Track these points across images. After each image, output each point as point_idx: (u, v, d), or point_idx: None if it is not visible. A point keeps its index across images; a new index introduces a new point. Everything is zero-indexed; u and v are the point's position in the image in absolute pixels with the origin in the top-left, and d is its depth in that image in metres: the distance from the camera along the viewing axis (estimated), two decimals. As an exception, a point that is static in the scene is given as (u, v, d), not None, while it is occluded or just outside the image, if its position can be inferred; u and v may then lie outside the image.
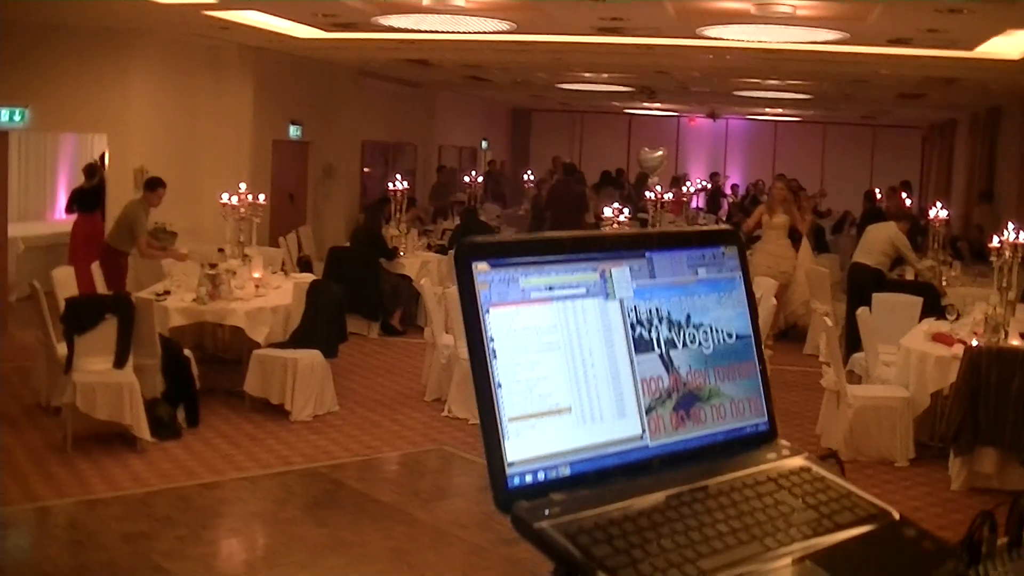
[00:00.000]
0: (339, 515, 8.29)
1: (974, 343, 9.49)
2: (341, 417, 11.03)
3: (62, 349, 9.93)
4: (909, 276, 13.99)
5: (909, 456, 9.79)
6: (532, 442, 1.38)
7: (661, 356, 1.53)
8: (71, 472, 8.94)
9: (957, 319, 10.64)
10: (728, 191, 29.82)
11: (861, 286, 13.06)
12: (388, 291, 15.68)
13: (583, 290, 1.47)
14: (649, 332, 1.52)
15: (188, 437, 10.05)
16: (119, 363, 9.71)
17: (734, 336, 1.63)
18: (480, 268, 1.38)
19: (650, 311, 1.53)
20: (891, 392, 10.02)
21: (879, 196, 21.55)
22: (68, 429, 9.46)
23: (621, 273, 1.51)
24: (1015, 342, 9.70)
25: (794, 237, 15.48)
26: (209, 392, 11.02)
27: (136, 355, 9.83)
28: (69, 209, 16.67)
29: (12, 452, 9.41)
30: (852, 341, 11.73)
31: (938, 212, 15.23)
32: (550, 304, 1.43)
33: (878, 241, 13.86)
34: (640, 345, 1.51)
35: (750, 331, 1.66)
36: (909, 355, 10.06)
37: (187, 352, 10.58)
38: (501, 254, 1.41)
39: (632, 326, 1.50)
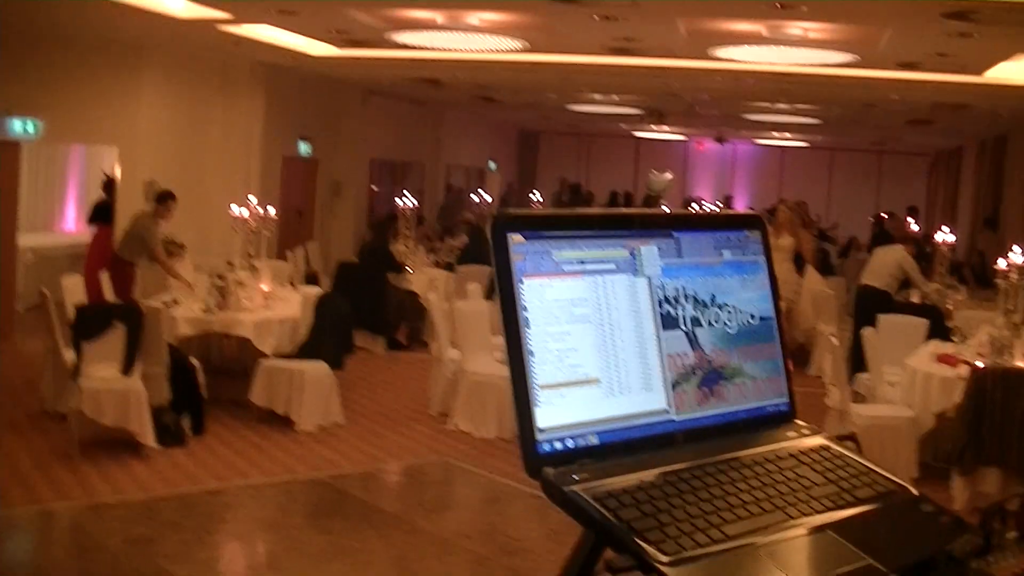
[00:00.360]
0: (342, 523, 8.31)
1: (979, 364, 9.51)
2: (346, 429, 11.05)
3: (70, 356, 9.98)
4: (915, 299, 14.02)
5: (912, 476, 9.76)
6: (562, 410, 1.41)
7: (687, 334, 1.56)
8: (76, 477, 8.96)
9: (963, 341, 10.66)
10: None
11: (868, 308, 13.07)
12: (394, 306, 15.71)
13: (613, 266, 1.50)
14: (675, 310, 1.55)
15: (193, 445, 10.08)
16: (126, 370, 9.75)
17: (757, 318, 1.66)
18: (515, 239, 1.41)
19: (677, 289, 1.56)
20: (895, 412, 10.04)
21: (887, 220, 21.62)
22: (74, 435, 9.49)
23: (649, 251, 1.55)
24: (1020, 363, 9.72)
25: (798, 262, 15.48)
26: (215, 402, 11.04)
27: (143, 363, 9.86)
28: (91, 221, 16.74)
29: (18, 457, 9.44)
30: (857, 362, 11.74)
31: (944, 237, 15.26)
32: (581, 278, 1.47)
33: (886, 264, 13.91)
34: (667, 322, 1.54)
35: (772, 313, 1.69)
36: (914, 375, 10.07)
37: (194, 361, 10.61)
38: (535, 227, 1.44)
39: (660, 303, 1.54)
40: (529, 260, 1.42)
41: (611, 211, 1.60)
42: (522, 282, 1.41)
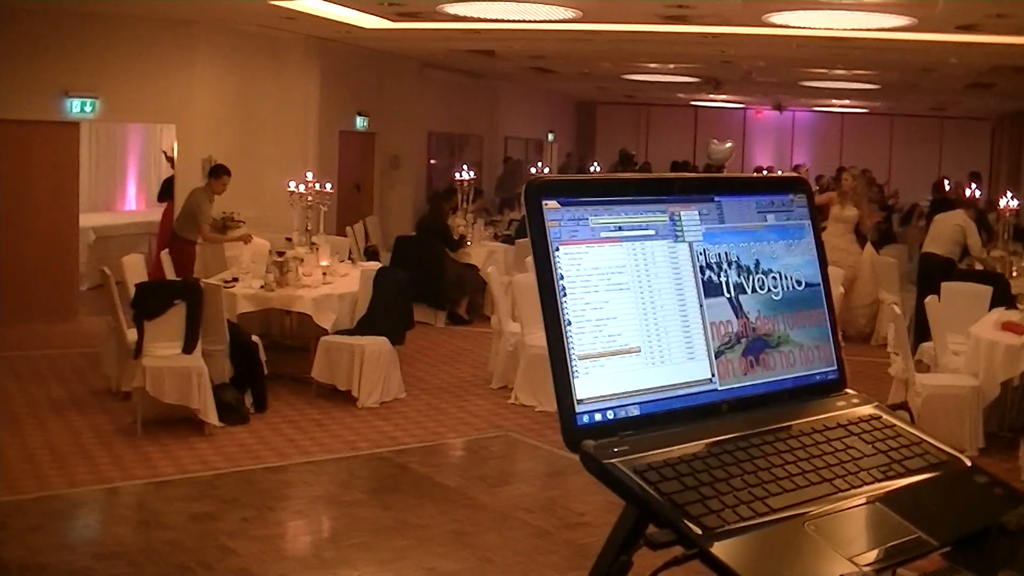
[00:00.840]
0: (403, 498, 8.32)
1: (1045, 331, 9.37)
2: (407, 404, 11.07)
3: (132, 335, 10.06)
4: (978, 266, 13.85)
5: (979, 445, 9.65)
6: (601, 381, 1.38)
7: (730, 300, 1.52)
8: (139, 455, 9.04)
9: (1027, 308, 10.50)
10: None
11: (932, 275, 12.91)
12: (454, 280, 15.71)
13: (652, 232, 1.47)
14: (718, 276, 1.52)
15: (255, 422, 10.13)
16: (188, 348, 9.81)
17: (803, 284, 1.62)
18: (550, 206, 1.38)
19: (719, 255, 1.53)
20: (960, 381, 9.90)
21: (948, 186, 21.34)
22: (138, 413, 9.58)
23: (690, 216, 1.51)
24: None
25: (859, 232, 15.24)
26: (276, 378, 11.10)
27: (204, 341, 9.92)
28: (160, 198, 16.94)
29: (82, 435, 9.54)
30: (920, 330, 11.60)
31: (1008, 202, 15.02)
32: (619, 244, 1.43)
33: (947, 230, 13.74)
34: (709, 289, 1.50)
35: (820, 279, 1.65)
36: (978, 344, 9.93)
37: (255, 338, 10.66)
38: (571, 193, 1.41)
39: (701, 269, 1.50)
40: (565, 227, 1.39)
41: (649, 175, 1.56)
42: (558, 250, 1.38)
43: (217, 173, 13.51)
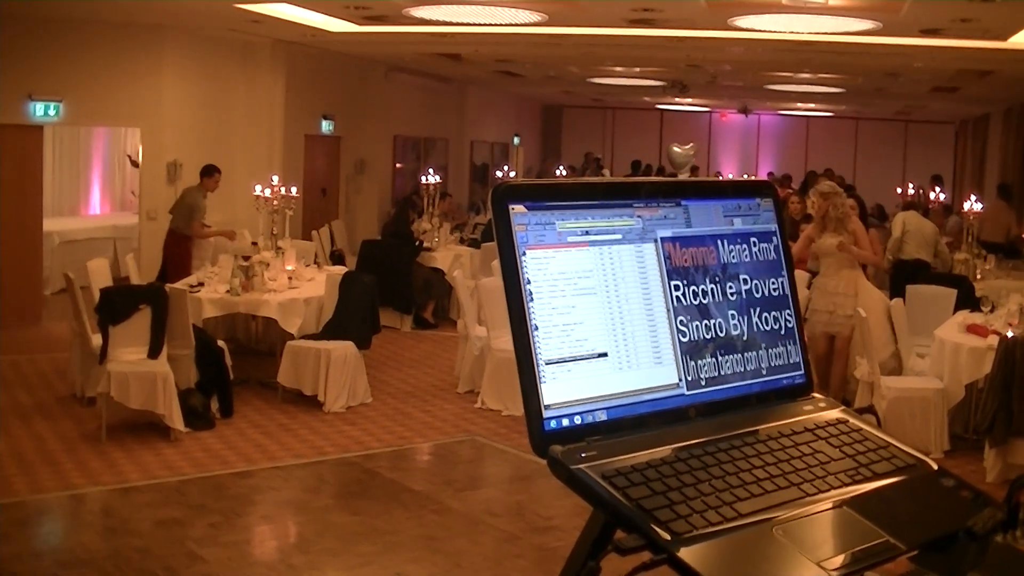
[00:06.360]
0: (371, 503, 8.30)
1: (1009, 334, 9.41)
2: (374, 408, 11.05)
3: (96, 340, 10.00)
4: (940, 269, 13.97)
5: (944, 448, 9.71)
6: (569, 386, 1.38)
7: (698, 305, 1.52)
8: (105, 461, 8.99)
9: (992, 311, 10.55)
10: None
11: (905, 280, 12.86)
12: (420, 284, 15.70)
13: (619, 236, 1.46)
14: (685, 280, 1.52)
15: (221, 427, 10.09)
16: (153, 353, 9.76)
17: (770, 288, 1.62)
18: (517, 210, 1.38)
19: (686, 259, 1.52)
20: (925, 384, 9.94)
21: (911, 192, 21.51)
22: (103, 418, 9.52)
23: (657, 220, 1.51)
24: (1051, 332, 9.62)
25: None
26: (243, 383, 11.08)
27: (170, 345, 9.87)
28: None
29: (47, 441, 9.48)
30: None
31: (972, 206, 15.11)
32: (587, 249, 1.43)
33: (927, 237, 13.96)
34: (676, 293, 1.50)
35: (786, 283, 1.65)
36: (943, 346, 9.98)
37: (220, 343, 10.62)
38: (538, 197, 1.41)
39: (668, 273, 1.50)
40: (532, 231, 1.39)
41: (617, 179, 1.56)
42: (524, 255, 1.37)
43: (209, 172, 13.88)
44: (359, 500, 8.42)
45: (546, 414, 1.36)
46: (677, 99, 28.30)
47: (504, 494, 8.84)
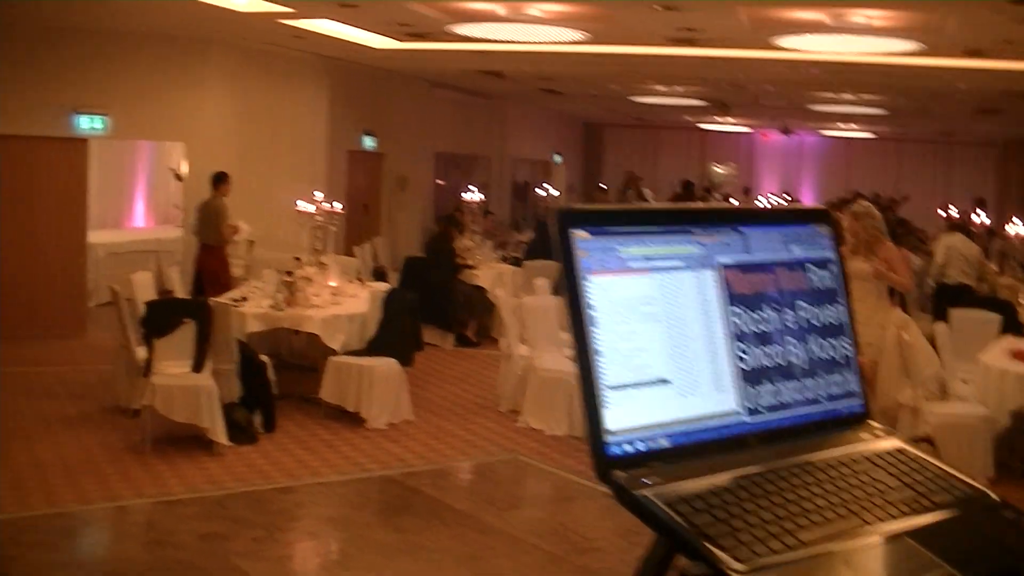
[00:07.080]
0: (413, 521, 8.31)
1: (1055, 359, 9.33)
2: (416, 426, 11.07)
3: (141, 353, 10.08)
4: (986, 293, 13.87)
5: (989, 475, 9.58)
6: (631, 412, 1.38)
7: (758, 332, 1.52)
8: (149, 473, 9.05)
9: (1037, 335, 10.46)
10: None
11: (949, 303, 12.78)
12: (462, 302, 15.71)
13: (680, 262, 1.46)
14: (745, 307, 1.52)
15: (264, 442, 10.14)
16: (197, 367, 9.83)
17: (828, 315, 1.62)
18: (579, 235, 1.38)
19: (746, 286, 1.52)
20: (970, 410, 9.84)
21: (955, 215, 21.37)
22: (147, 431, 9.59)
23: (717, 247, 1.51)
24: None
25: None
26: (285, 398, 11.11)
27: (214, 360, 9.94)
28: None
29: (92, 452, 9.55)
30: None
31: (1017, 230, 15.01)
32: (648, 275, 1.43)
33: (971, 259, 13.84)
34: (737, 320, 1.50)
35: (845, 312, 1.65)
36: (988, 372, 9.88)
37: (264, 358, 10.67)
38: (599, 222, 1.41)
39: (728, 300, 1.50)
40: (594, 257, 1.39)
41: (677, 205, 1.57)
42: (588, 280, 1.37)
43: (222, 178, 14.04)
44: (401, 517, 8.44)
45: (608, 440, 1.35)
46: (718, 119, 28.25)
47: (546, 514, 8.84)
